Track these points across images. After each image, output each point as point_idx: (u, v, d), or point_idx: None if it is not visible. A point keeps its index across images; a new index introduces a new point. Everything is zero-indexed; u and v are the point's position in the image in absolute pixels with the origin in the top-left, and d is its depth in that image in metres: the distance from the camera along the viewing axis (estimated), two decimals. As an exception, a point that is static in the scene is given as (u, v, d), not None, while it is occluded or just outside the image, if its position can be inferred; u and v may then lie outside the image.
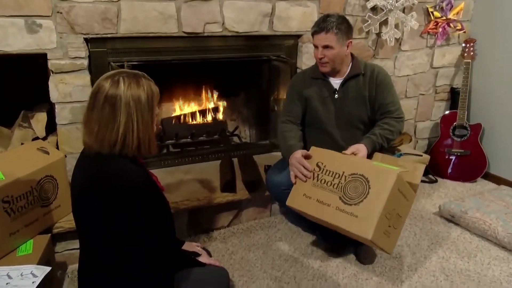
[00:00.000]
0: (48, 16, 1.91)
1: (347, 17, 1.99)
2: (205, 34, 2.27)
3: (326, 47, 1.96)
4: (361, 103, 2.07)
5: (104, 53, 2.10)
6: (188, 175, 2.40)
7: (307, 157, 1.87)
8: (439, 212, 2.56)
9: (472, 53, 3.01)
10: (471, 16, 3.11)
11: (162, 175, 2.32)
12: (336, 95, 2.09)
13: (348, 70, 2.07)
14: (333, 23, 1.94)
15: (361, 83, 2.06)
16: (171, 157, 2.54)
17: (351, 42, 2.03)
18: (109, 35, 2.05)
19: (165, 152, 2.63)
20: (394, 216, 1.71)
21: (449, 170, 3.07)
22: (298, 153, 1.89)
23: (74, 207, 1.34)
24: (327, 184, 1.72)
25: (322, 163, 1.76)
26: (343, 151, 1.90)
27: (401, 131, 2.10)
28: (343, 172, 1.69)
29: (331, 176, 1.72)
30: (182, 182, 2.31)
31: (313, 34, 2.01)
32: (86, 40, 2.02)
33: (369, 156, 1.95)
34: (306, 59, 2.57)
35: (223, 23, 2.29)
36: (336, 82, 2.09)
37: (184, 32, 2.21)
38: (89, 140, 1.27)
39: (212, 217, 2.30)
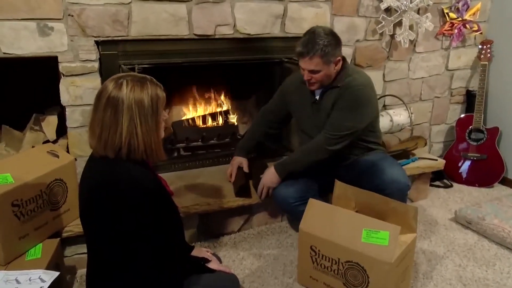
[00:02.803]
0: (60, 19, 1.91)
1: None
2: (216, 36, 2.25)
3: (312, 71, 1.90)
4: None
5: (115, 55, 2.09)
6: (198, 179, 2.37)
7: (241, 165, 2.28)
8: (455, 218, 2.50)
9: (489, 55, 2.94)
10: (488, 17, 3.03)
11: (173, 179, 2.30)
12: (315, 104, 2.07)
13: (331, 81, 1.99)
14: (319, 46, 1.83)
15: (335, 94, 2.00)
16: (182, 161, 2.51)
17: (339, 59, 1.94)
18: (119, 38, 2.04)
19: (175, 155, 2.61)
20: (401, 276, 1.73)
21: (465, 175, 2.99)
22: (241, 160, 2.28)
23: (82, 209, 1.33)
24: (328, 269, 1.77)
25: (316, 247, 1.78)
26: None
27: (326, 147, 1.97)
28: (339, 259, 1.71)
29: (329, 261, 1.75)
30: (193, 186, 2.28)
31: (297, 55, 1.90)
32: (97, 42, 2.01)
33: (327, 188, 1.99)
34: (318, 62, 2.53)
35: (234, 25, 2.27)
36: (318, 91, 2.05)
37: (195, 35, 2.20)
38: (93, 142, 1.27)
39: (222, 221, 2.27)
